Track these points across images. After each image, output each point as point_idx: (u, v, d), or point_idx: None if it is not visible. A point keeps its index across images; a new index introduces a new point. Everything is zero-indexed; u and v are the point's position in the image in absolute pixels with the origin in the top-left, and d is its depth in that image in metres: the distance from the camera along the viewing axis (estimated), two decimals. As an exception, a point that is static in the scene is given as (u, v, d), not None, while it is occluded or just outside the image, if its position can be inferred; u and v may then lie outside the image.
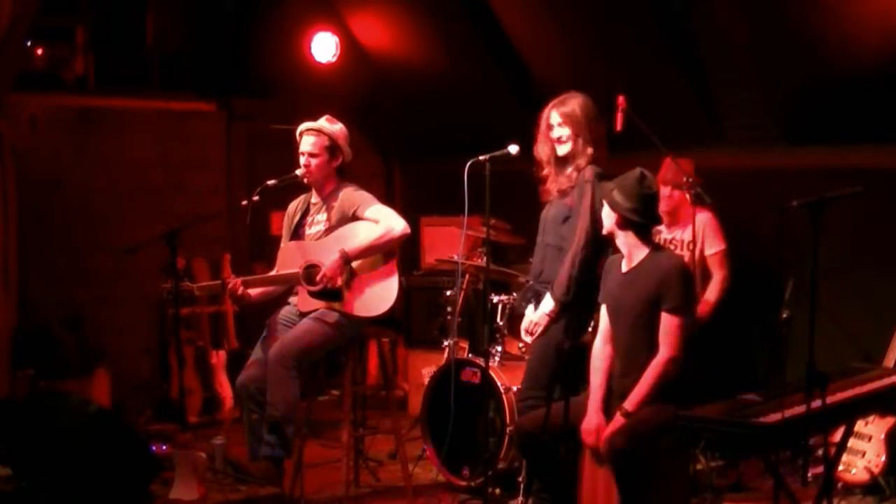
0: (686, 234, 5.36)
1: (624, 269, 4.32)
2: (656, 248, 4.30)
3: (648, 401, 4.11)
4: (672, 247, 5.62)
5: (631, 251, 4.29)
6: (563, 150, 4.74)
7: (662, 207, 5.46)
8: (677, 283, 4.14)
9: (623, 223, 4.25)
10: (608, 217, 4.31)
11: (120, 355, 6.93)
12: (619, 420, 4.12)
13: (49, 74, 7.10)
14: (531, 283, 4.92)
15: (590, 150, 4.71)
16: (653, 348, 4.18)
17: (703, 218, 5.56)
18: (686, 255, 5.41)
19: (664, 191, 5.52)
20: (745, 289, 5.80)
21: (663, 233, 5.53)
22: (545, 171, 4.83)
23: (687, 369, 4.18)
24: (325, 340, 4.91)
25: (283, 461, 4.84)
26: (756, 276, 5.92)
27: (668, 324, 4.14)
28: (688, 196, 5.37)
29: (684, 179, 5.37)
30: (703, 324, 5.40)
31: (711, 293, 5.59)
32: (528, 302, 4.93)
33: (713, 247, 5.60)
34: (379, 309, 4.95)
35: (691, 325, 4.20)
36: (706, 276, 5.60)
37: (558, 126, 4.73)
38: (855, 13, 5.11)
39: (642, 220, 4.23)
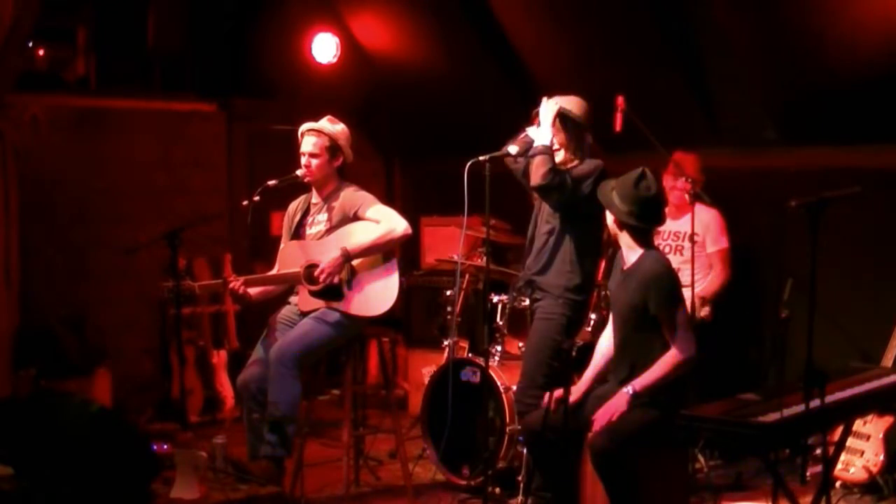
0: (689, 227, 5.40)
1: (623, 268, 4.35)
2: (649, 249, 4.32)
3: (655, 390, 4.15)
4: (675, 238, 5.66)
5: (627, 252, 4.32)
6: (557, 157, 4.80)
7: (671, 200, 5.53)
8: (657, 290, 4.17)
9: (620, 224, 4.28)
10: (609, 217, 4.34)
11: (121, 355, 6.95)
12: (623, 395, 4.15)
13: (50, 75, 7.12)
14: (524, 273, 4.95)
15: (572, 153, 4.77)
16: (639, 348, 4.23)
17: (710, 216, 5.63)
18: (687, 246, 5.45)
19: (674, 183, 5.58)
20: (745, 288, 5.82)
21: (667, 224, 5.56)
22: None
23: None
24: (326, 340, 4.92)
25: (284, 460, 4.86)
26: (755, 276, 5.94)
27: (663, 325, 4.19)
28: (687, 197, 5.42)
29: (685, 179, 5.42)
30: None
31: (710, 286, 5.63)
32: (522, 294, 4.98)
33: (716, 245, 5.67)
34: (379, 308, 4.96)
35: (686, 319, 4.24)
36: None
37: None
38: (853, 14, 5.12)
39: (639, 223, 4.25)
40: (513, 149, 4.73)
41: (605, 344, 4.51)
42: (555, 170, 4.60)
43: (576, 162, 4.76)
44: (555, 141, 4.72)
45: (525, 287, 4.94)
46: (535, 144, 4.68)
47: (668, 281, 4.22)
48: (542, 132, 4.68)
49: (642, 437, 4.10)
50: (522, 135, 4.75)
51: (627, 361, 4.28)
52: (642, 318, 4.21)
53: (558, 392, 4.27)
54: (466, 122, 7.28)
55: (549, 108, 4.70)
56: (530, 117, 4.83)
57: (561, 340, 4.64)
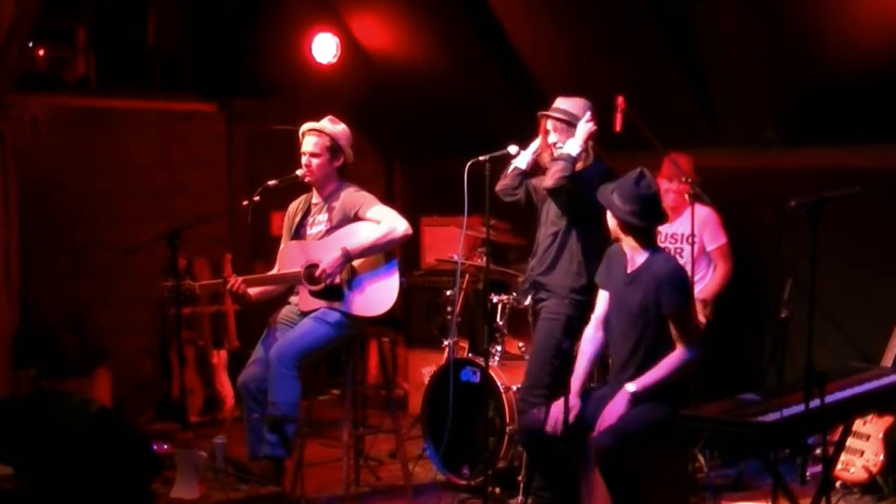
0: (687, 228, 5.41)
1: (628, 269, 4.34)
2: (654, 250, 4.32)
3: (656, 391, 4.14)
4: (673, 240, 5.66)
5: (632, 254, 4.31)
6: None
7: (666, 203, 5.53)
8: (673, 288, 4.18)
9: (624, 227, 4.28)
10: (611, 220, 4.33)
11: (121, 355, 6.95)
12: (623, 395, 4.14)
13: (50, 75, 7.12)
14: (529, 274, 4.96)
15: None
16: (649, 348, 4.22)
17: (705, 213, 5.63)
18: (686, 248, 5.45)
19: (669, 186, 5.58)
20: (744, 288, 5.82)
21: (664, 227, 5.57)
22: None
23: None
24: (326, 340, 4.92)
25: (284, 460, 4.86)
26: (755, 276, 5.94)
27: (673, 325, 4.18)
28: (686, 196, 5.42)
29: (683, 179, 5.42)
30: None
31: (713, 284, 5.64)
32: (527, 295, 5.00)
33: (715, 241, 5.69)
34: (379, 308, 4.96)
35: (695, 320, 4.26)
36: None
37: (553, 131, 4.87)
38: (853, 14, 5.12)
39: (642, 222, 4.25)
40: (513, 149, 4.78)
41: (590, 348, 4.47)
42: (570, 178, 4.68)
43: (583, 162, 4.79)
44: (561, 141, 4.77)
45: (530, 288, 4.97)
46: (562, 151, 4.75)
47: (682, 280, 4.26)
48: (574, 143, 4.75)
49: (648, 436, 4.10)
50: (512, 168, 4.86)
51: (636, 362, 4.26)
52: (654, 318, 4.20)
53: (558, 404, 4.27)
54: (466, 122, 7.28)
55: (586, 126, 4.77)
56: (537, 121, 4.85)
57: (563, 340, 4.66)
